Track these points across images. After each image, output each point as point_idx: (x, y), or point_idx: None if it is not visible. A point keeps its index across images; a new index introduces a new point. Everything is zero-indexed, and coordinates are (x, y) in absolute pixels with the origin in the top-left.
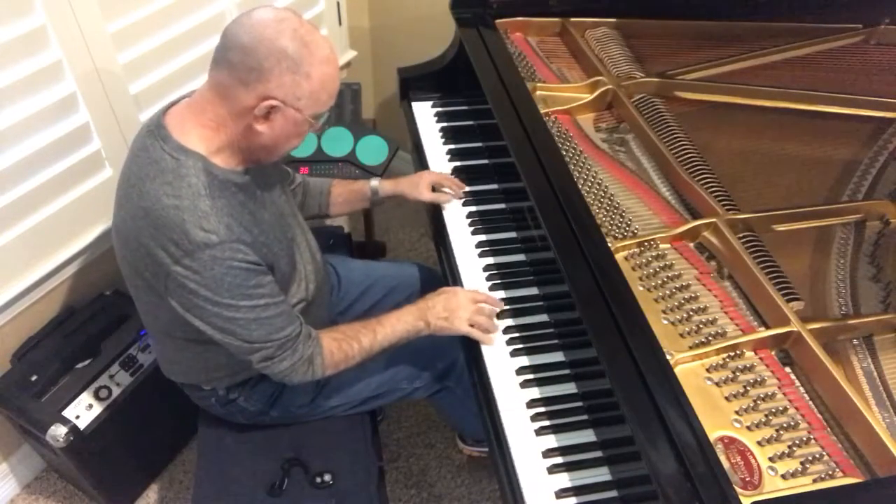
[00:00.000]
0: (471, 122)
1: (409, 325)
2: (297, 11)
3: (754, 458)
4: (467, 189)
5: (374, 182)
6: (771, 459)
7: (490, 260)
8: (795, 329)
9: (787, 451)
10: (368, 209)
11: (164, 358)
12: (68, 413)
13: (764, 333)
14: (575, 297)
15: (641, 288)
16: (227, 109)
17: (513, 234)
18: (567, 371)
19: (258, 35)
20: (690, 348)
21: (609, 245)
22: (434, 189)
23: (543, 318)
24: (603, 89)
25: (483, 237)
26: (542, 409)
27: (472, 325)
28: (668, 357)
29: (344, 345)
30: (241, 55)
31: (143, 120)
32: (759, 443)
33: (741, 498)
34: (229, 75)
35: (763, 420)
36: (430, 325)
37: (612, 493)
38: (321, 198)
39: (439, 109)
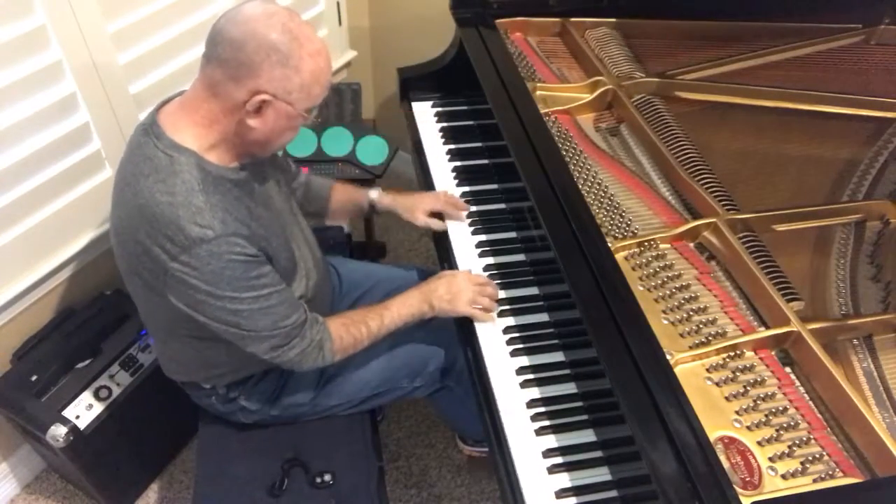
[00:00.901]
0: (471, 122)
1: (413, 308)
2: (288, 7)
3: (754, 458)
4: (467, 189)
5: (374, 194)
6: (771, 459)
7: (490, 260)
8: (795, 329)
9: (787, 451)
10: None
11: (164, 356)
12: (68, 413)
13: (764, 333)
14: (575, 296)
15: (641, 288)
16: (220, 106)
17: (513, 234)
18: (567, 371)
19: (248, 30)
20: (690, 348)
21: (609, 245)
22: (437, 215)
23: (543, 317)
24: (603, 89)
25: (483, 237)
26: (542, 409)
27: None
28: (668, 357)
29: (352, 329)
30: (230, 50)
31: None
32: (759, 443)
33: (741, 498)
34: (220, 71)
35: (763, 420)
36: (434, 307)
37: (612, 493)
38: (320, 202)
39: (439, 109)
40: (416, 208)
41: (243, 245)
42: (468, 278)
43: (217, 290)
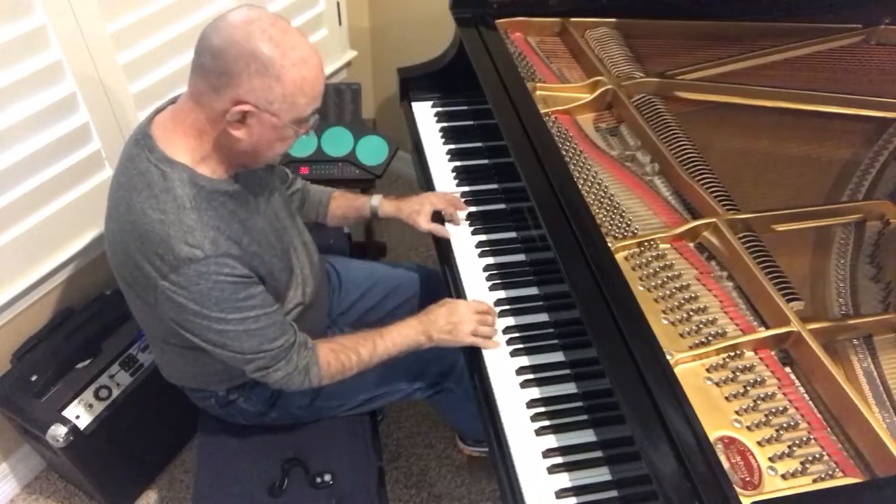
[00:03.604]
0: (471, 122)
1: (410, 338)
2: (279, 14)
3: (754, 458)
4: (467, 189)
5: (375, 201)
6: (771, 459)
7: (490, 260)
8: (795, 329)
9: (787, 451)
10: None
11: (161, 362)
12: (68, 413)
13: (764, 333)
14: (575, 297)
15: (641, 288)
16: (205, 116)
17: (513, 234)
18: (567, 371)
19: (228, 38)
20: (690, 348)
21: (609, 245)
22: (439, 218)
23: (543, 318)
24: (603, 89)
25: (483, 237)
26: (542, 409)
27: (474, 335)
28: (668, 357)
29: (341, 356)
30: (211, 59)
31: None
32: (759, 443)
33: (741, 498)
34: (203, 81)
35: (763, 420)
36: (433, 338)
37: (612, 493)
38: (319, 207)
39: (439, 109)
40: (418, 213)
41: (233, 266)
42: (469, 307)
43: (204, 309)
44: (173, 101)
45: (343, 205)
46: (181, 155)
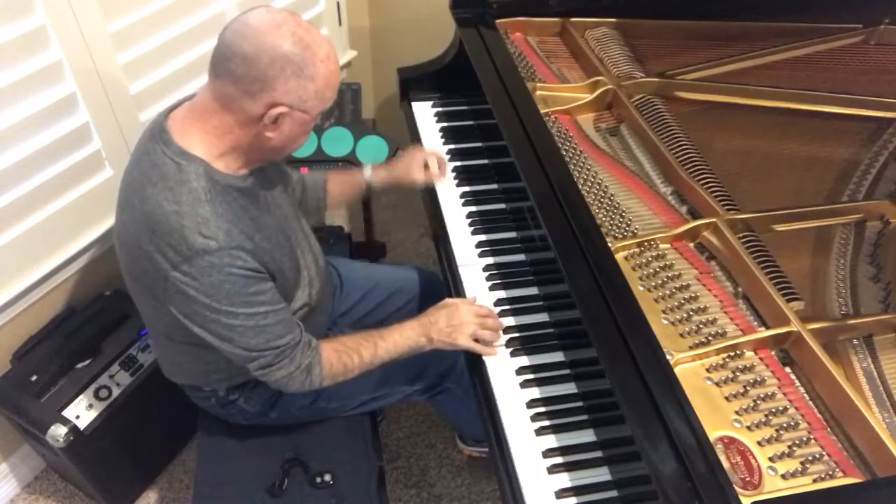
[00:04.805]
0: (471, 122)
1: (411, 340)
2: (293, 11)
3: (754, 458)
4: (467, 189)
5: (368, 174)
6: (771, 459)
7: (490, 260)
8: (795, 329)
9: (787, 451)
10: (368, 209)
11: (163, 359)
12: (68, 413)
13: (764, 333)
14: (575, 296)
15: (641, 288)
16: (234, 119)
17: (513, 234)
18: (567, 371)
19: (259, 43)
20: (690, 348)
21: (609, 245)
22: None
23: (543, 317)
24: (603, 89)
25: (483, 237)
26: (542, 409)
27: (475, 340)
28: (668, 357)
29: (344, 357)
30: (243, 66)
31: (143, 120)
32: (759, 443)
33: (741, 498)
34: (234, 86)
35: (763, 420)
36: (433, 340)
37: (612, 493)
38: (318, 192)
39: (439, 109)
40: (410, 171)
41: (245, 259)
42: (470, 310)
43: (214, 302)
44: (189, 98)
45: (339, 183)
46: (198, 149)
